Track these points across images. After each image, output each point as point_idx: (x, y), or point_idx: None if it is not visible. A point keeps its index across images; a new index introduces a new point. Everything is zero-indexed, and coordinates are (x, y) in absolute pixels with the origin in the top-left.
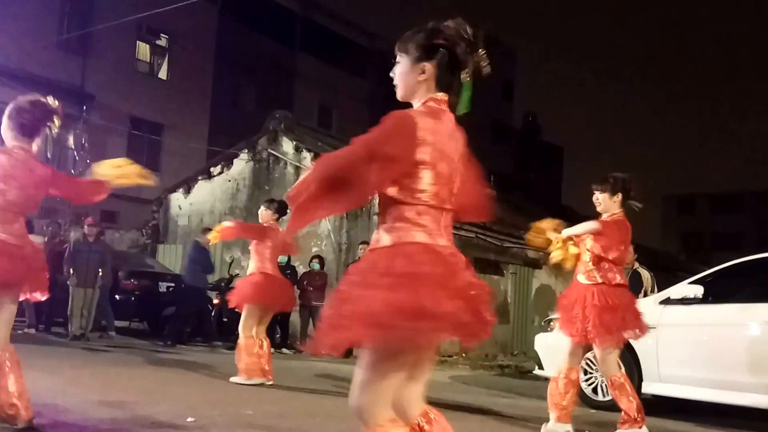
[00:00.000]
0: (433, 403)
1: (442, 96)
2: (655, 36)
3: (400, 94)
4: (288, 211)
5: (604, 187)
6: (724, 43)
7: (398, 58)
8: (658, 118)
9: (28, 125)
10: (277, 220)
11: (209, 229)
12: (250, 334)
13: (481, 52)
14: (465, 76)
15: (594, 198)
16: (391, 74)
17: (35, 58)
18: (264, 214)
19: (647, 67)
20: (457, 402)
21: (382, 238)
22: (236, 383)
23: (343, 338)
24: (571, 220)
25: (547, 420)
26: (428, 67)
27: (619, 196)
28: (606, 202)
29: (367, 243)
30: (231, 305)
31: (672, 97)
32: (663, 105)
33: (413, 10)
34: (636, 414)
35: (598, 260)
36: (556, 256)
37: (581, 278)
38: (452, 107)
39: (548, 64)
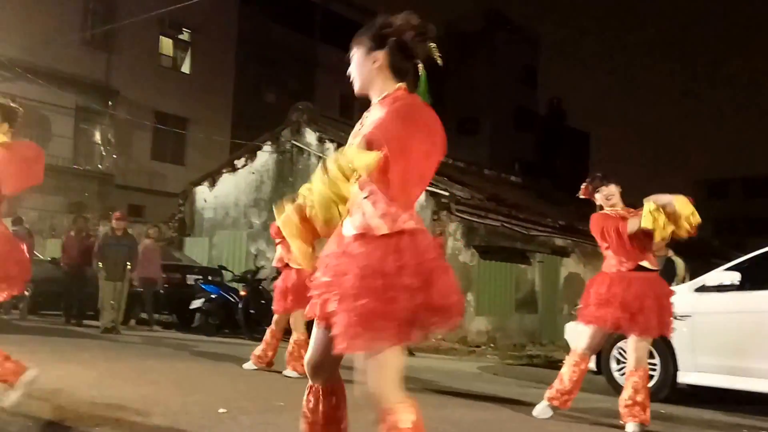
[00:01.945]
0: (462, 393)
1: (401, 85)
2: (685, 16)
3: (357, 86)
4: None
5: (609, 179)
6: (757, 22)
7: (353, 54)
8: (687, 100)
9: None
10: None
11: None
12: (304, 330)
13: (431, 43)
14: (419, 65)
15: (607, 193)
16: (348, 72)
17: (61, 56)
18: None
19: (675, 49)
20: (487, 393)
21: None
22: (289, 377)
23: (378, 339)
24: (601, 208)
25: (579, 410)
26: (380, 55)
27: (620, 186)
28: (618, 195)
29: None
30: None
31: (701, 78)
32: (692, 87)
33: None
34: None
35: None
36: (649, 223)
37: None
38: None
39: (572, 48)
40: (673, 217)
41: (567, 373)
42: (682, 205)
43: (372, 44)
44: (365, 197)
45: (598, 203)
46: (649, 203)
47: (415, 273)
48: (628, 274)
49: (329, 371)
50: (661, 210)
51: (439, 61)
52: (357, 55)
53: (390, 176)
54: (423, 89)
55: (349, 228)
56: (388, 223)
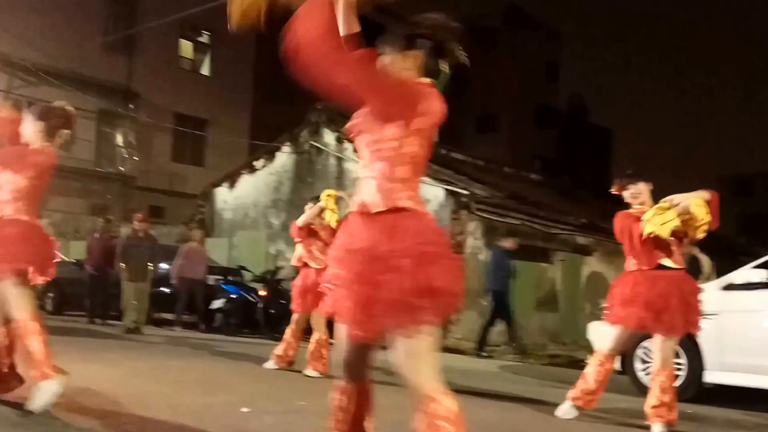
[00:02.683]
0: (483, 393)
1: (427, 82)
2: (709, 11)
3: None
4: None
5: (638, 177)
6: None
7: (383, 52)
8: (712, 95)
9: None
10: (320, 213)
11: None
12: (325, 329)
13: (458, 44)
14: (445, 65)
15: (634, 191)
16: None
17: (83, 60)
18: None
19: (699, 44)
20: (508, 392)
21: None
22: (310, 376)
23: (414, 320)
24: (622, 205)
25: (602, 411)
26: (413, 55)
27: (651, 183)
28: (646, 193)
29: None
30: (301, 309)
31: (727, 73)
32: (717, 82)
33: None
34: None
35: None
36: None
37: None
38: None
39: (595, 44)
40: (689, 219)
41: (592, 372)
42: (697, 206)
43: (404, 44)
44: (367, 176)
45: (627, 201)
46: (657, 206)
47: (408, 254)
48: (652, 273)
49: (359, 370)
50: (667, 211)
51: (466, 62)
52: (387, 54)
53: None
54: (442, 87)
55: (354, 210)
56: (384, 200)
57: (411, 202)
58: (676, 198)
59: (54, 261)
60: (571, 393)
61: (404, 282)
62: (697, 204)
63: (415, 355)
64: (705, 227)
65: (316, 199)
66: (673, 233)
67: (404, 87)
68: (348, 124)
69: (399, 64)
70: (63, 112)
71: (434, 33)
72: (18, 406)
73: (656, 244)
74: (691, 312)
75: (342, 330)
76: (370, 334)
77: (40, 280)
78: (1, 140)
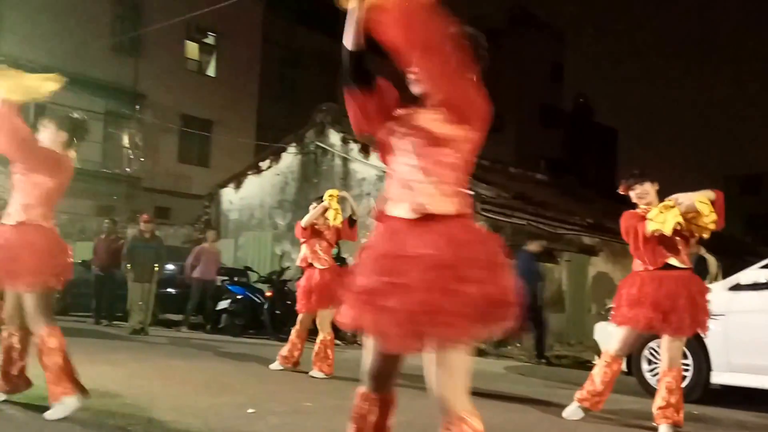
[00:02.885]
0: (488, 394)
1: None
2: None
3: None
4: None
5: (644, 178)
6: None
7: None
8: (718, 94)
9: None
10: (323, 213)
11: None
12: (330, 330)
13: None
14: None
15: (640, 192)
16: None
17: (90, 61)
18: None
19: (706, 43)
20: (514, 393)
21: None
22: (315, 377)
23: (474, 332)
24: (628, 204)
25: (609, 412)
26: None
27: (657, 184)
28: (652, 193)
29: None
30: (306, 310)
31: (733, 72)
32: (724, 81)
33: None
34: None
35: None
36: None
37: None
38: None
39: (599, 44)
40: (693, 218)
41: (599, 374)
42: (702, 204)
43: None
44: (421, 179)
45: (634, 201)
46: (662, 204)
47: (478, 264)
48: (659, 273)
49: (387, 380)
50: (670, 210)
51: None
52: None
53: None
54: None
55: (401, 213)
56: (454, 205)
57: (469, 209)
58: (681, 197)
59: (69, 268)
60: (578, 394)
61: (475, 292)
62: (701, 201)
63: (455, 372)
64: (711, 227)
65: (320, 199)
66: (679, 233)
67: (482, 95)
68: (387, 124)
69: None
70: (83, 123)
71: (472, 44)
72: (25, 407)
73: (661, 243)
74: (699, 312)
75: (373, 339)
76: (418, 346)
77: (57, 287)
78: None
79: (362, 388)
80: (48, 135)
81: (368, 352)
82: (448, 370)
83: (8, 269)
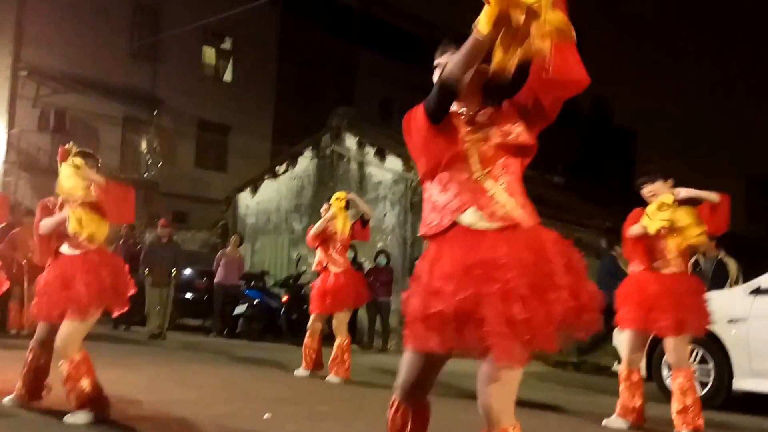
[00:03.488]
0: None
1: None
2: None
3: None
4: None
5: (656, 176)
6: None
7: (438, 62)
8: (739, 93)
9: None
10: (331, 220)
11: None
12: (347, 334)
13: None
14: None
15: (646, 192)
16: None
17: (109, 68)
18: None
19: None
20: (534, 400)
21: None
22: (332, 382)
23: (534, 346)
24: (646, 206)
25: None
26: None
27: (671, 181)
28: (662, 191)
29: None
30: (319, 310)
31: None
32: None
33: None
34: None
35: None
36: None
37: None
38: None
39: (618, 44)
40: (684, 227)
41: (624, 390)
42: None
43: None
44: (500, 185)
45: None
46: (659, 202)
47: (568, 270)
48: (652, 274)
49: (422, 391)
50: (662, 210)
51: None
52: (440, 66)
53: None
54: None
55: (477, 224)
56: (531, 215)
57: (538, 218)
58: (683, 191)
59: (128, 292)
60: (617, 408)
61: (566, 299)
62: (662, 201)
63: (507, 384)
64: (695, 240)
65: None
66: (664, 236)
67: None
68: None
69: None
70: (91, 155)
71: None
72: (43, 411)
73: (651, 243)
74: (695, 311)
75: (413, 355)
76: (524, 355)
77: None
78: None
79: (396, 400)
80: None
81: (407, 364)
82: (501, 382)
83: (61, 303)
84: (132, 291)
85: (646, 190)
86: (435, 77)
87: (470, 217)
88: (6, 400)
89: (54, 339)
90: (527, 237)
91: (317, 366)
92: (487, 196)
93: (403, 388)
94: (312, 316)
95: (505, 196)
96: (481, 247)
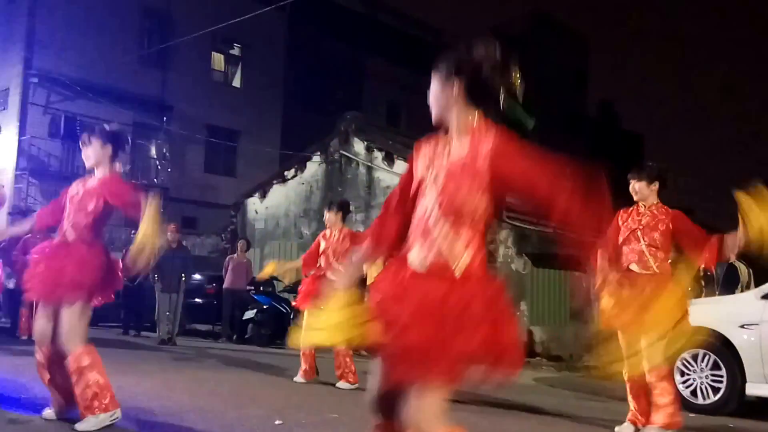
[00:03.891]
0: (519, 406)
1: (478, 114)
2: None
3: (434, 114)
4: (349, 209)
5: (641, 175)
6: None
7: (432, 80)
8: (748, 97)
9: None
10: (343, 219)
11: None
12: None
13: (515, 72)
14: (501, 96)
15: (630, 188)
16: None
17: (119, 74)
18: (330, 217)
19: (734, 46)
20: (545, 406)
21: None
22: (342, 389)
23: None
24: (633, 205)
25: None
26: (458, 83)
27: (656, 184)
28: (643, 191)
29: None
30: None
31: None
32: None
33: (476, 4)
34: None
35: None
36: None
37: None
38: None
39: (624, 49)
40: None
41: (632, 399)
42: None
43: (449, 73)
44: (463, 243)
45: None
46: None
47: (487, 317)
48: (630, 274)
49: (392, 408)
50: None
51: (519, 88)
52: (434, 83)
53: None
54: (519, 118)
55: (414, 262)
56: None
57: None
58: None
59: (117, 284)
60: (629, 414)
61: (479, 342)
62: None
63: (428, 406)
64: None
65: (330, 204)
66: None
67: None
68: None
69: (445, 93)
70: (125, 137)
71: (479, 63)
72: (58, 419)
73: (626, 245)
74: (662, 312)
75: (381, 365)
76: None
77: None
78: None
79: (375, 419)
80: (95, 150)
81: (374, 377)
82: (424, 405)
83: (54, 283)
84: (117, 286)
85: (630, 187)
86: (430, 98)
87: (412, 254)
88: (45, 413)
89: (55, 343)
90: (448, 282)
91: (314, 374)
92: (431, 238)
93: (370, 403)
94: (305, 314)
95: (447, 243)
96: (396, 281)
